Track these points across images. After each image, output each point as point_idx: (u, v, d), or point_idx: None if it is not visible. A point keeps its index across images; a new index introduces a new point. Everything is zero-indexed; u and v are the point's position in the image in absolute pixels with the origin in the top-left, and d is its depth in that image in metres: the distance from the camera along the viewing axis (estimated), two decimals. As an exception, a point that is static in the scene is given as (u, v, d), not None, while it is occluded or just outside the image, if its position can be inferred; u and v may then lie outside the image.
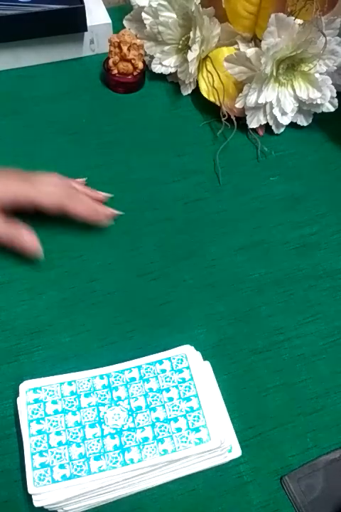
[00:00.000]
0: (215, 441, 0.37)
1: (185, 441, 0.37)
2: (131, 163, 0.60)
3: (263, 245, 0.54)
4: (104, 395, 0.40)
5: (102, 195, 0.55)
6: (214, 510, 0.39)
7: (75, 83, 0.68)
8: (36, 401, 0.40)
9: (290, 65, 0.60)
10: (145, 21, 0.65)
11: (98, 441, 0.37)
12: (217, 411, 0.40)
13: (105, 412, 0.39)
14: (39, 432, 0.38)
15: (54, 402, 0.40)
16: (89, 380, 0.40)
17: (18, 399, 0.40)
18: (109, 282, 0.50)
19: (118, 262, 0.52)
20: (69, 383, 0.40)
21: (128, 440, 0.37)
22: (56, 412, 0.39)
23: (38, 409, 0.39)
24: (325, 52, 0.58)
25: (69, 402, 0.40)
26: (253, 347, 0.47)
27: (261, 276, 0.52)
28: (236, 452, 0.40)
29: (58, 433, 0.38)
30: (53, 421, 0.39)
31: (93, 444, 0.37)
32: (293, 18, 0.56)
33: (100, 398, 0.40)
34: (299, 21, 0.57)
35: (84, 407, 0.39)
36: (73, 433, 0.37)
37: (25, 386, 0.40)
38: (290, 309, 0.50)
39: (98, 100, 0.66)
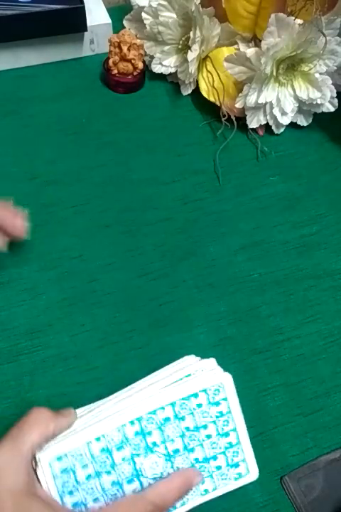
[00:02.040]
0: (254, 473, 0.37)
1: (225, 478, 0.37)
2: (131, 163, 0.60)
3: (263, 245, 0.54)
4: (138, 444, 0.35)
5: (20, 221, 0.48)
6: (214, 510, 0.39)
7: (75, 83, 0.68)
8: (64, 471, 0.34)
9: (290, 65, 0.60)
10: (145, 21, 0.65)
11: None
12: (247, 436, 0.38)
13: (142, 463, 0.35)
14: (75, 504, 0.34)
15: (85, 467, 0.35)
16: (119, 430, 0.35)
17: (39, 471, 0.34)
18: (109, 282, 0.50)
19: (119, 262, 0.52)
20: (98, 439, 0.35)
21: None
22: (89, 477, 0.35)
23: (68, 481, 0.34)
24: (325, 52, 0.58)
25: (101, 461, 0.35)
26: (253, 347, 0.47)
27: (261, 276, 0.52)
28: (254, 474, 0.38)
29: (96, 499, 0.35)
30: (88, 489, 0.35)
31: None
32: (293, 18, 0.56)
33: (134, 448, 0.35)
34: (299, 21, 0.57)
35: (119, 463, 0.35)
36: (111, 495, 0.34)
37: (46, 456, 0.34)
38: (290, 309, 0.50)
39: (98, 100, 0.66)
